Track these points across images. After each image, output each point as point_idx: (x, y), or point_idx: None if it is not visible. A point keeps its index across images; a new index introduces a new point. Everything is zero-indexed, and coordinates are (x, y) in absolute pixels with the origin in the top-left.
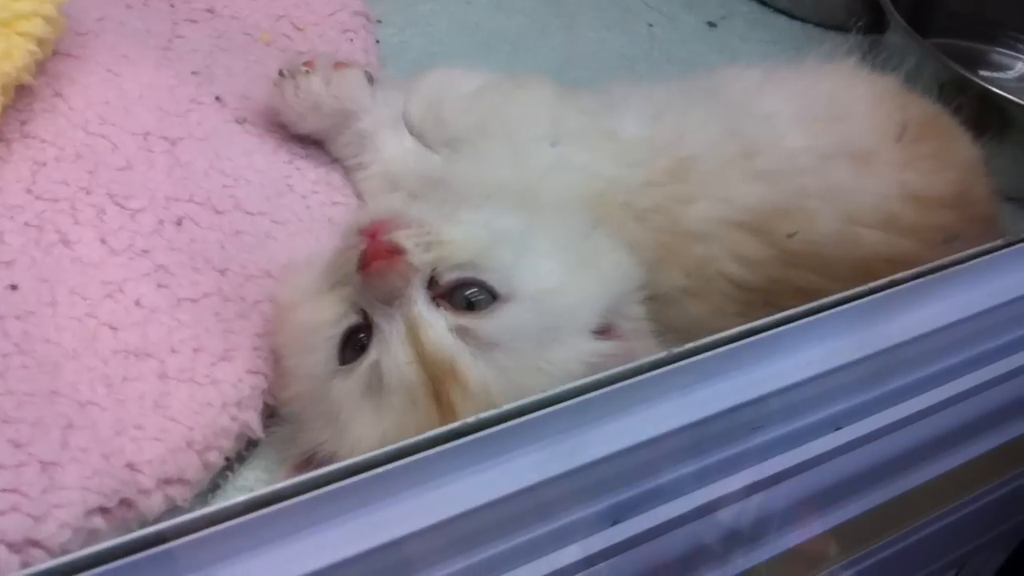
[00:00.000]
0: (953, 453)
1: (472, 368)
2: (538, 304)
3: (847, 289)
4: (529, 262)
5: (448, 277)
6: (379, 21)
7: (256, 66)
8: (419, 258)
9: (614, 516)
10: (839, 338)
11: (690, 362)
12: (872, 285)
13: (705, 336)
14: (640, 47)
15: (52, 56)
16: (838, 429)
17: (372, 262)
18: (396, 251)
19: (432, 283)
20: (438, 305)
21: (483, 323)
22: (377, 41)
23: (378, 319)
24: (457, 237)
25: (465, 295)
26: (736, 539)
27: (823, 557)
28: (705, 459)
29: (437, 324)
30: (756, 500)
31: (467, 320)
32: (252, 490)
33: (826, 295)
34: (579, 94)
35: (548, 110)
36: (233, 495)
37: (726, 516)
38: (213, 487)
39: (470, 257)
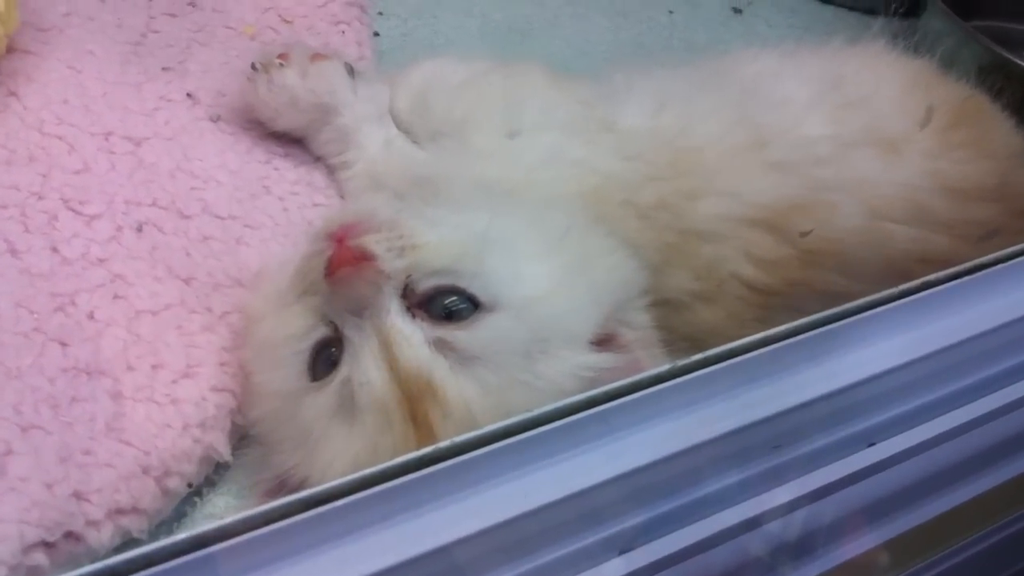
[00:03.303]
0: (998, 470)
1: (451, 384)
2: (525, 313)
3: (875, 291)
4: (515, 266)
5: (424, 285)
6: (380, 13)
7: (236, 61)
8: (391, 264)
9: (620, 546)
10: (867, 346)
11: (701, 375)
12: (904, 287)
13: (719, 344)
14: (658, 35)
15: (7, 54)
16: (871, 445)
17: (338, 269)
18: (365, 257)
19: (407, 292)
20: (414, 316)
21: (463, 335)
22: (376, 33)
23: (348, 332)
24: (434, 240)
25: (444, 304)
26: (749, 569)
27: None
28: (716, 483)
29: (412, 337)
30: (775, 527)
31: (446, 332)
32: (221, 517)
33: (852, 298)
34: (575, 82)
35: (539, 99)
36: (201, 523)
37: (740, 545)
38: (179, 515)
39: (448, 262)
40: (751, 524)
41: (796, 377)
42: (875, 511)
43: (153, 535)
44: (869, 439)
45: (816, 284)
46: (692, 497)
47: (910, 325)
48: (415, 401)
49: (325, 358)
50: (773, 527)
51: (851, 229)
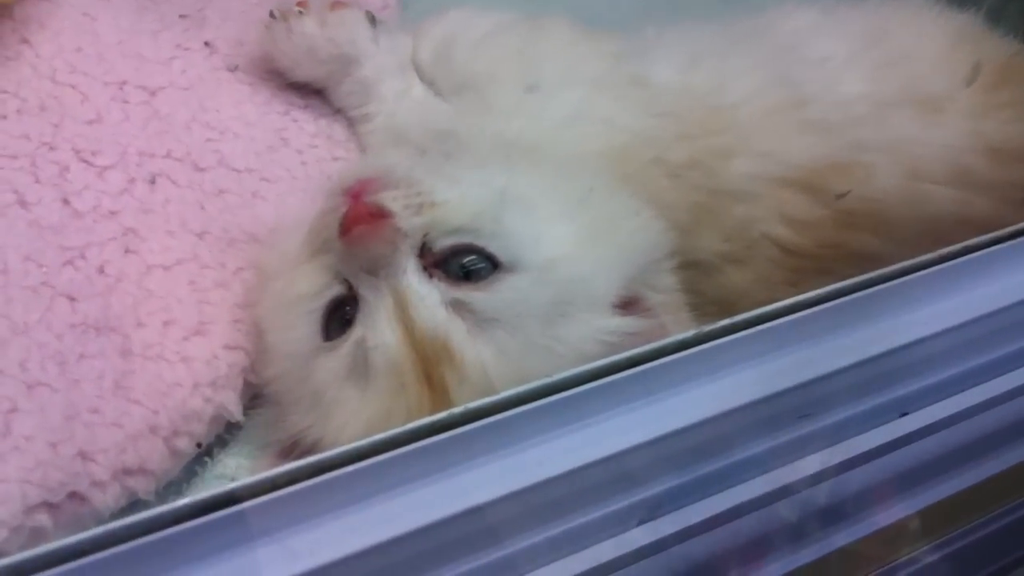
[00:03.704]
0: None
1: (468, 347)
2: (546, 274)
3: (913, 255)
4: (537, 226)
5: (442, 243)
6: None
7: (257, 8)
8: (408, 222)
9: (640, 516)
10: (907, 311)
11: (727, 341)
12: (943, 251)
13: (749, 308)
14: None
15: (21, 0)
16: (903, 415)
17: (353, 227)
18: (381, 214)
19: (424, 250)
20: (431, 276)
21: (481, 296)
22: None
23: (363, 291)
24: (453, 198)
25: (462, 264)
26: (772, 541)
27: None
28: (742, 452)
29: (429, 297)
30: (803, 496)
31: (463, 292)
32: (232, 478)
33: (889, 261)
34: (605, 36)
35: (567, 53)
36: (211, 484)
37: (765, 515)
38: (189, 475)
39: (467, 220)
40: (778, 495)
41: (827, 344)
42: (906, 481)
43: (161, 496)
44: (902, 409)
45: (851, 246)
46: (715, 467)
47: (949, 291)
48: (430, 364)
49: (339, 318)
50: (801, 496)
51: (889, 190)
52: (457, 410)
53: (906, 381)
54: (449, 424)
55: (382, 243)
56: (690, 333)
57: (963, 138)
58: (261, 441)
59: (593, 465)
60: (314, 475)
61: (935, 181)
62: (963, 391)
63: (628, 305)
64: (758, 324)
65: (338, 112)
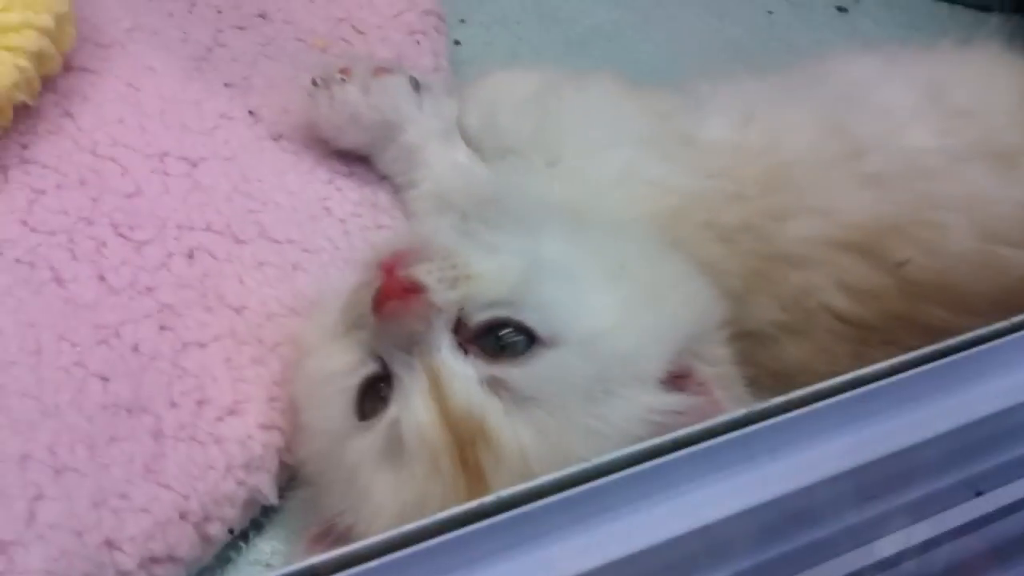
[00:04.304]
0: None
1: (505, 427)
2: (588, 348)
3: (987, 325)
4: (579, 296)
5: (478, 318)
6: (462, 20)
7: (304, 76)
8: (443, 296)
9: None
10: (977, 385)
11: (785, 418)
12: (1018, 319)
13: (809, 382)
14: (757, 37)
15: (65, 73)
16: (979, 495)
17: (386, 302)
18: (415, 288)
19: (459, 325)
20: (466, 352)
21: (519, 372)
22: (457, 42)
23: (397, 369)
24: (489, 269)
25: (499, 337)
26: None
27: None
28: (803, 538)
29: (464, 375)
30: None
31: (500, 369)
32: (268, 564)
33: (959, 333)
34: (654, 93)
35: (613, 112)
36: (246, 570)
37: None
38: (223, 561)
39: (505, 293)
40: None
41: (892, 422)
42: (979, 564)
43: None
44: (976, 487)
45: (918, 318)
46: (773, 555)
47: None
48: (466, 445)
49: (374, 396)
50: None
51: (959, 254)
52: (489, 499)
53: (981, 457)
54: (482, 513)
55: (415, 319)
56: (743, 411)
57: None
58: (297, 525)
59: (636, 556)
60: (342, 567)
61: (1011, 243)
62: None
63: (678, 380)
64: (818, 400)
65: (383, 179)
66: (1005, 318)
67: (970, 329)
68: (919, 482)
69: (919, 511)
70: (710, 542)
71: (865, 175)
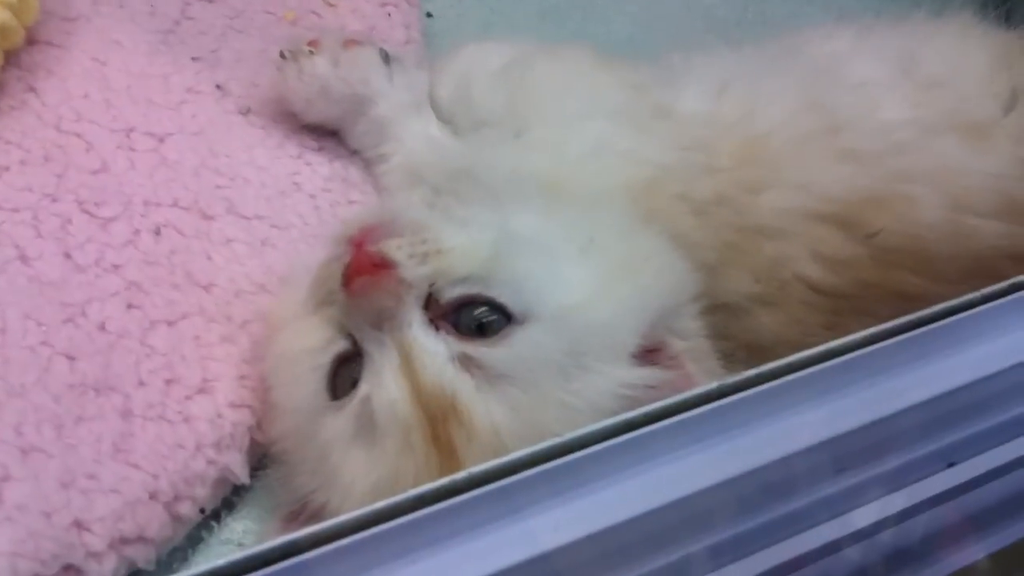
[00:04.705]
0: None
1: (477, 404)
2: (561, 323)
3: (958, 293)
4: (552, 272)
5: (449, 294)
6: None
7: (272, 49)
8: (413, 272)
9: None
10: (950, 355)
11: (759, 390)
12: (990, 289)
13: (783, 354)
14: (731, 9)
15: (29, 47)
16: (950, 466)
17: (355, 277)
18: (384, 264)
19: (430, 302)
20: (438, 329)
21: (491, 351)
22: (429, 14)
23: (368, 345)
24: (460, 244)
25: (473, 315)
26: None
27: None
28: (776, 511)
29: (435, 352)
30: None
31: (472, 347)
32: (240, 544)
33: (932, 301)
34: (628, 65)
35: (586, 84)
36: (217, 549)
37: None
38: (194, 541)
39: (476, 269)
40: (814, 556)
41: (864, 393)
42: (953, 534)
43: (165, 563)
44: (948, 459)
45: (891, 286)
46: (745, 528)
47: (999, 331)
48: (438, 422)
49: (346, 374)
50: (842, 556)
51: (931, 224)
52: (460, 475)
53: (953, 428)
54: (454, 489)
55: (385, 295)
56: (716, 384)
57: (1011, 166)
58: (269, 503)
59: (610, 530)
60: (315, 546)
61: (981, 213)
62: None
63: (650, 354)
64: (791, 372)
65: (354, 154)
66: (976, 285)
67: (942, 295)
68: (893, 453)
69: (893, 482)
70: (686, 515)
71: (840, 150)
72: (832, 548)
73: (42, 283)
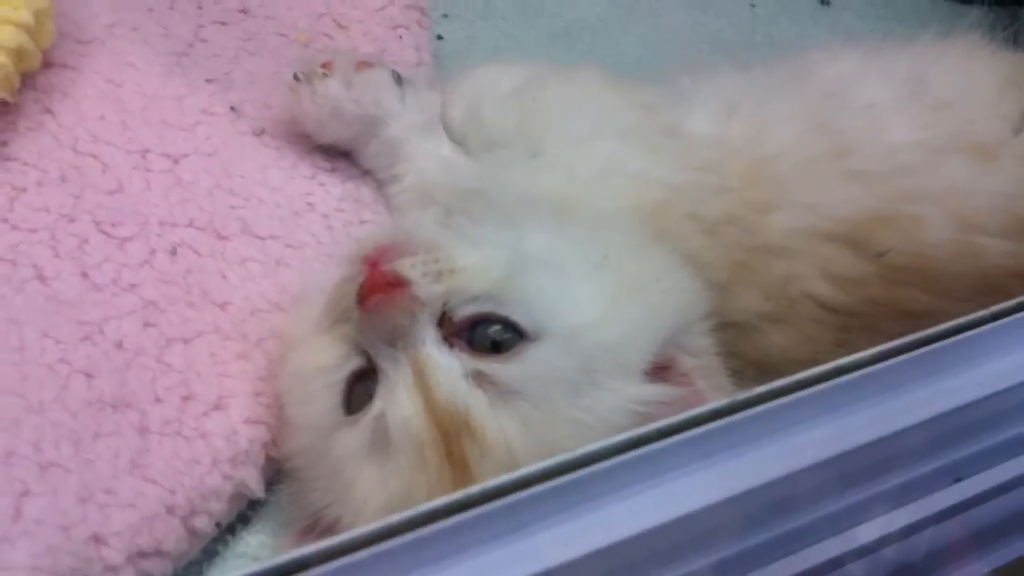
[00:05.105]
0: None
1: (490, 420)
2: (573, 341)
3: (966, 311)
4: (564, 290)
5: (463, 312)
6: (444, 15)
7: (286, 70)
8: (427, 290)
9: None
10: (959, 373)
11: (769, 407)
12: (998, 308)
13: (792, 371)
14: (740, 31)
15: (44, 69)
16: (957, 480)
17: (370, 296)
18: (398, 282)
19: (444, 319)
20: (451, 346)
21: (504, 368)
22: (440, 37)
23: (382, 363)
24: (473, 262)
25: (486, 333)
26: None
27: None
28: (785, 525)
29: (449, 368)
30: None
31: (485, 364)
32: (255, 558)
33: (941, 319)
34: (638, 86)
35: (597, 105)
36: (232, 563)
37: None
38: (210, 555)
39: (489, 287)
40: (821, 570)
41: (873, 410)
42: (959, 550)
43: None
44: (956, 473)
45: (899, 304)
46: (755, 542)
47: (1004, 349)
48: (451, 438)
49: (361, 391)
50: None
51: (939, 243)
52: (474, 489)
53: (961, 443)
54: (465, 504)
55: (399, 312)
56: (724, 402)
57: (1018, 186)
58: (284, 518)
59: (621, 545)
60: (329, 559)
61: (988, 232)
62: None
63: (661, 371)
64: (800, 389)
65: (366, 174)
66: (983, 303)
67: (950, 313)
68: (900, 469)
69: (900, 498)
70: (694, 530)
71: (848, 171)
72: (840, 562)
73: (59, 302)
